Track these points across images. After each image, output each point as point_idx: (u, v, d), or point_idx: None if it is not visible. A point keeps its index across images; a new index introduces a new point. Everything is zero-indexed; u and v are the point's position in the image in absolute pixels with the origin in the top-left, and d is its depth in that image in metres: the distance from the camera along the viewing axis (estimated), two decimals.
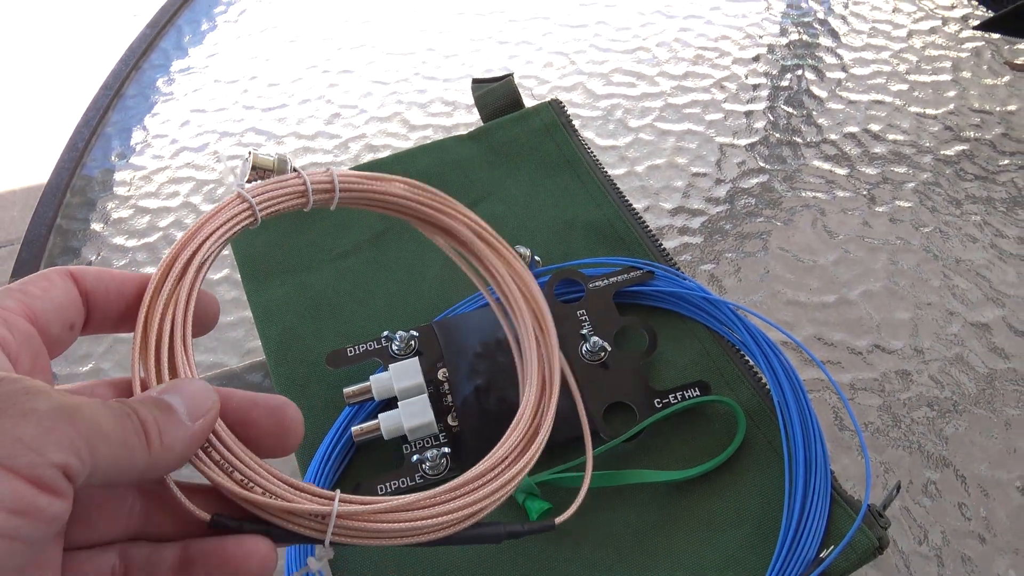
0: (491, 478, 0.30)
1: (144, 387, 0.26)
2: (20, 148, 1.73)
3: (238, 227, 0.30)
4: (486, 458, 0.30)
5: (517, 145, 0.54)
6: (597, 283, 0.44)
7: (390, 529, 0.26)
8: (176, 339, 0.27)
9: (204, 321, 0.29)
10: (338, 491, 0.26)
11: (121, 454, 0.22)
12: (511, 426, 0.33)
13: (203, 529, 0.25)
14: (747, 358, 0.42)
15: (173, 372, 0.27)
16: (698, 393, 0.41)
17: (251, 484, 0.26)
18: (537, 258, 0.46)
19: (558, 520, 0.31)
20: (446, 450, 0.40)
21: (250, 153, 0.32)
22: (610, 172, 0.51)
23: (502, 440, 0.32)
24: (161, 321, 0.27)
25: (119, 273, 0.28)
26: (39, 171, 1.68)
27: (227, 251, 0.53)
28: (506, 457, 0.31)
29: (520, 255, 0.44)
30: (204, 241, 0.29)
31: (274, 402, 0.27)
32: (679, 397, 0.41)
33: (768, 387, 0.41)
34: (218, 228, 0.30)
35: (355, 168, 0.54)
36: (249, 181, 0.32)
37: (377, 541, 0.26)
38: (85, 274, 0.27)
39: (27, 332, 0.24)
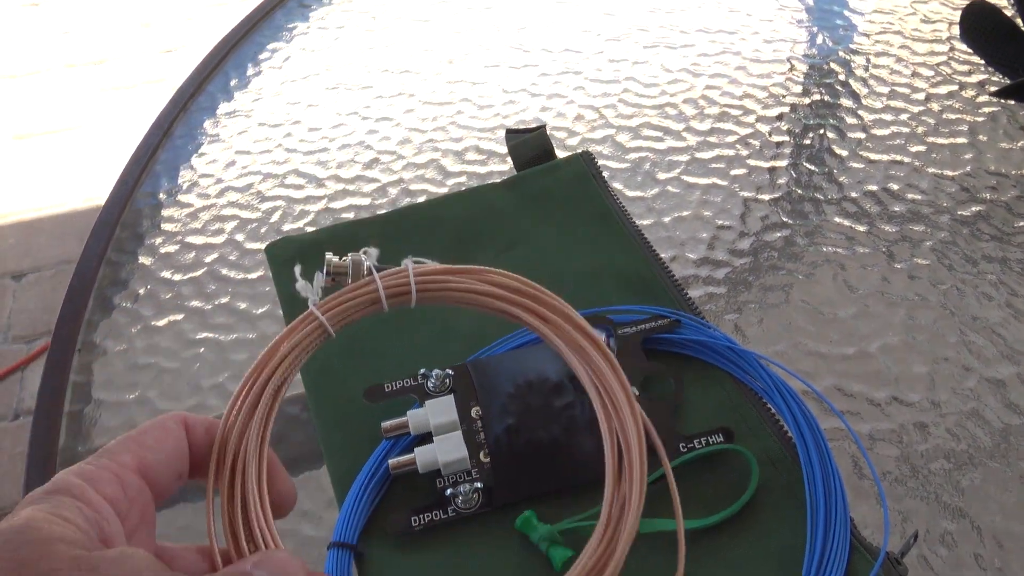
0: None
1: (225, 559, 0.28)
2: (54, 177, 1.77)
3: (313, 345, 0.31)
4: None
5: (549, 194, 0.56)
6: (626, 330, 0.46)
7: None
8: (249, 480, 0.29)
9: (281, 502, 0.31)
10: None
11: None
12: (593, 536, 0.31)
13: None
14: (769, 406, 0.44)
15: (247, 521, 0.28)
16: (722, 439, 0.42)
17: None
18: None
19: None
20: (478, 485, 0.42)
21: (327, 258, 0.33)
22: (638, 222, 0.53)
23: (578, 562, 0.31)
24: (234, 460, 0.29)
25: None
26: (68, 199, 1.72)
27: (270, 287, 0.55)
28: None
29: None
30: (279, 364, 0.30)
31: None
32: (704, 442, 0.42)
33: (790, 435, 0.42)
34: (293, 350, 0.31)
35: (396, 211, 0.56)
36: (325, 284, 0.33)
37: None
38: (196, 425, 0.29)
39: (139, 487, 0.26)
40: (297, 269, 0.33)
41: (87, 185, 1.75)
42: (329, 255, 0.33)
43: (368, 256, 0.34)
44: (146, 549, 0.27)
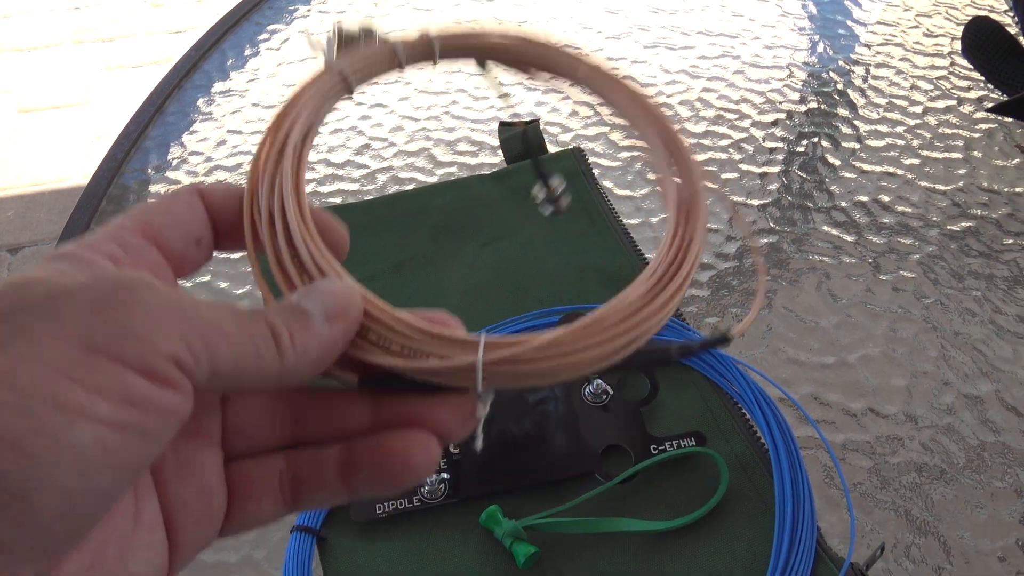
0: (652, 297, 0.25)
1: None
2: (57, 152, 1.77)
3: (334, 97, 0.28)
4: (644, 274, 0.25)
5: None
6: None
7: (546, 368, 0.23)
8: (290, 212, 0.25)
9: (332, 245, 0.26)
10: (483, 337, 0.23)
11: (247, 358, 0.21)
12: (665, 238, 0.27)
13: (362, 427, 0.24)
14: (744, 411, 0.43)
15: (296, 256, 0.25)
16: (693, 443, 0.42)
17: (387, 341, 0.23)
18: None
19: (735, 331, 0.26)
20: (445, 476, 0.41)
21: (335, 25, 0.29)
22: (625, 221, 0.53)
23: (657, 255, 0.26)
24: (270, 205, 0.25)
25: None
26: (70, 175, 1.71)
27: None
28: (664, 274, 0.25)
29: None
30: (301, 113, 0.27)
31: (435, 315, 0.24)
32: (675, 445, 0.42)
33: (763, 441, 0.42)
34: (311, 103, 0.27)
35: (383, 198, 0.56)
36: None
37: (535, 381, 0.24)
38: (214, 191, 0.25)
39: (142, 248, 0.23)
40: (314, 37, 0.29)
41: (89, 162, 1.75)
42: (338, 22, 0.29)
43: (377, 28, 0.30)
44: None
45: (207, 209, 0.25)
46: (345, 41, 0.29)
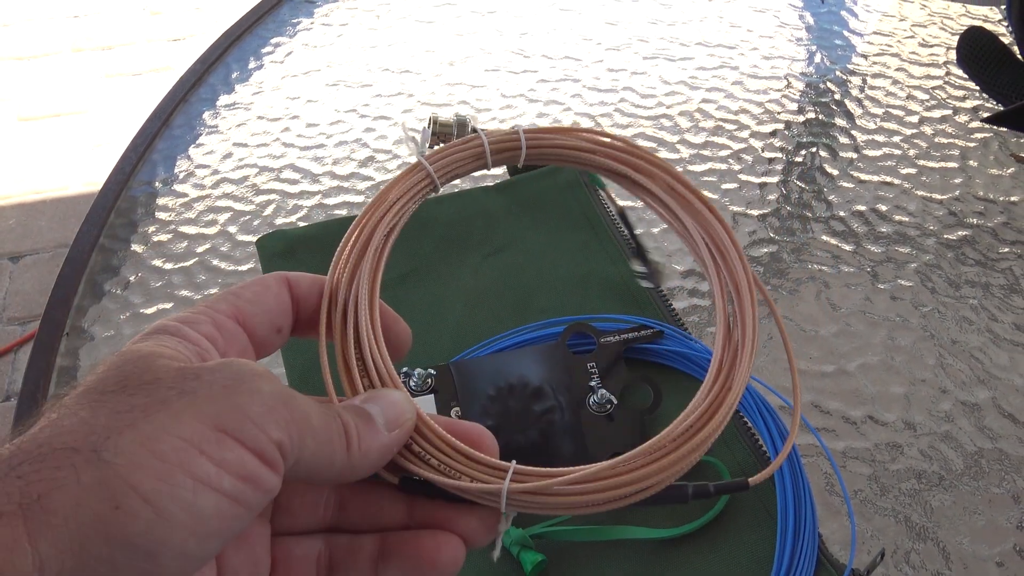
0: (678, 444, 0.27)
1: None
2: (57, 160, 1.78)
3: (420, 195, 0.31)
4: (673, 424, 0.28)
5: (540, 199, 0.57)
6: (609, 338, 0.47)
7: (566, 503, 0.26)
8: (362, 320, 0.28)
9: (397, 344, 0.30)
10: (513, 465, 0.26)
11: (324, 451, 0.24)
12: (702, 388, 0.29)
13: (397, 522, 0.27)
14: (746, 419, 0.44)
15: (362, 360, 0.28)
16: None
17: (427, 456, 0.27)
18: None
19: (753, 480, 0.28)
20: None
21: (431, 118, 0.33)
22: (627, 232, 0.54)
23: (690, 406, 0.28)
24: (345, 305, 0.29)
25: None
26: (70, 183, 1.72)
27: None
28: (694, 423, 0.28)
29: None
30: (387, 211, 0.30)
31: (472, 431, 0.28)
32: None
33: (764, 449, 0.43)
34: (400, 197, 0.30)
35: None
36: (432, 145, 0.33)
37: (554, 512, 0.27)
38: (300, 281, 0.29)
39: (234, 332, 0.26)
40: (408, 130, 0.32)
41: (89, 170, 1.76)
42: (434, 112, 0.33)
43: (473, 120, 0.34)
44: None
45: (291, 297, 0.28)
46: (439, 130, 0.33)
